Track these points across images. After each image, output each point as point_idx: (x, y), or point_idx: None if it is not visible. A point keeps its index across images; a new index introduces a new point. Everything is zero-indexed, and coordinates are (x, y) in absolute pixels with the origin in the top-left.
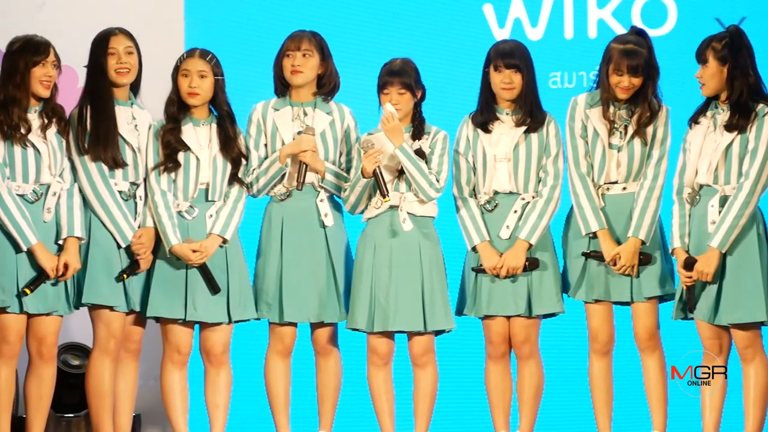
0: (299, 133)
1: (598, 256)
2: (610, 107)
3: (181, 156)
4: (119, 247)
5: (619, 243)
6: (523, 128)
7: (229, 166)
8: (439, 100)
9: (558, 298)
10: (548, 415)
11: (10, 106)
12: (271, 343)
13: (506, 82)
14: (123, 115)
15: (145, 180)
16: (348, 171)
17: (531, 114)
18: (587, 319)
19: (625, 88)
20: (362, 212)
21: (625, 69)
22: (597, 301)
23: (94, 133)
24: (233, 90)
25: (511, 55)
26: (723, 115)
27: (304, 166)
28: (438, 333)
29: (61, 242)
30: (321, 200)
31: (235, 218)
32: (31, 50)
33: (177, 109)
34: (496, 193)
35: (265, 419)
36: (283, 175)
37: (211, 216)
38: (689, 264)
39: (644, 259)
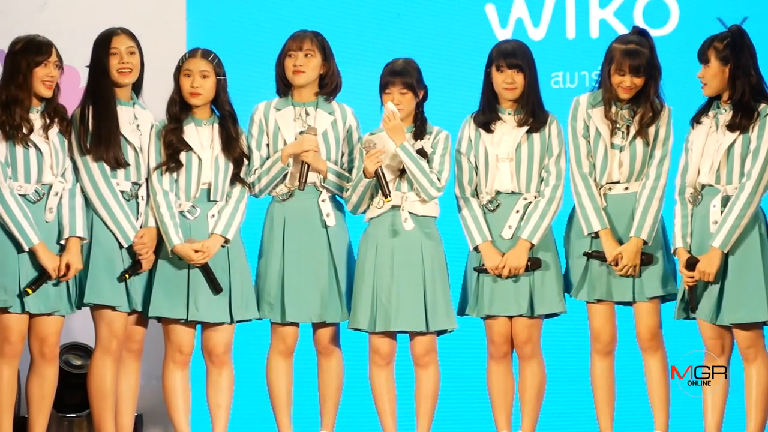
0: (301, 133)
1: (600, 256)
2: (612, 107)
3: (183, 156)
4: (121, 247)
5: (621, 243)
6: (525, 128)
7: (231, 166)
8: (441, 100)
9: (560, 298)
10: (550, 415)
11: (12, 106)
12: (273, 343)
13: (508, 82)
14: (125, 115)
15: (147, 180)
16: (350, 171)
17: (533, 114)
18: (589, 319)
19: (627, 88)
20: (364, 212)
21: (627, 69)
22: (599, 301)
23: (96, 133)
24: (235, 90)
25: (513, 55)
26: (725, 115)
27: (306, 166)
28: (440, 333)
29: (63, 242)
30: (323, 200)
31: (237, 218)
32: (33, 50)
33: (179, 109)
34: (498, 192)
35: (267, 419)
36: (285, 175)
37: (213, 216)
38: (691, 264)
39: (646, 259)
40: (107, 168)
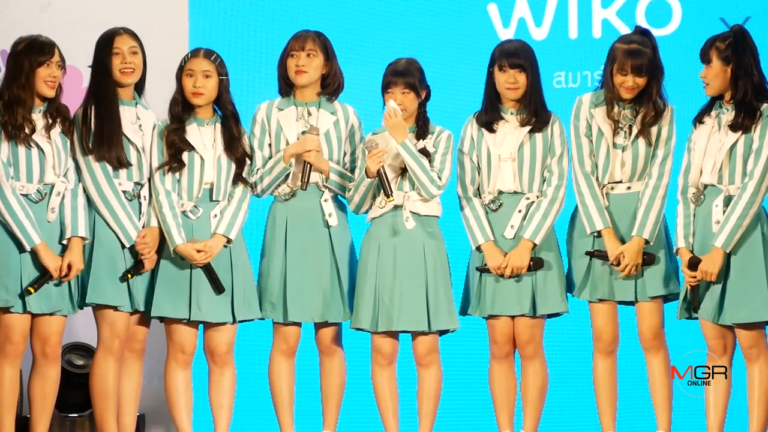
0: (303, 132)
1: (602, 255)
2: (614, 107)
3: (185, 156)
4: (123, 247)
5: (623, 242)
6: (528, 128)
7: (233, 166)
8: (443, 100)
9: (562, 297)
10: (552, 415)
11: (15, 107)
12: (275, 342)
13: (511, 82)
14: (127, 115)
15: (149, 180)
16: (352, 171)
17: (535, 114)
18: (591, 319)
19: (630, 88)
20: (367, 212)
21: (630, 69)
22: (601, 300)
23: (99, 133)
24: (237, 90)
25: (516, 55)
26: (727, 114)
27: (309, 165)
28: (442, 333)
29: (65, 242)
30: (325, 200)
31: (240, 218)
32: (35, 50)
33: (181, 109)
34: (500, 192)
35: (269, 419)
36: (288, 175)
37: (216, 216)
38: (693, 264)
39: (648, 259)
40: (109, 168)
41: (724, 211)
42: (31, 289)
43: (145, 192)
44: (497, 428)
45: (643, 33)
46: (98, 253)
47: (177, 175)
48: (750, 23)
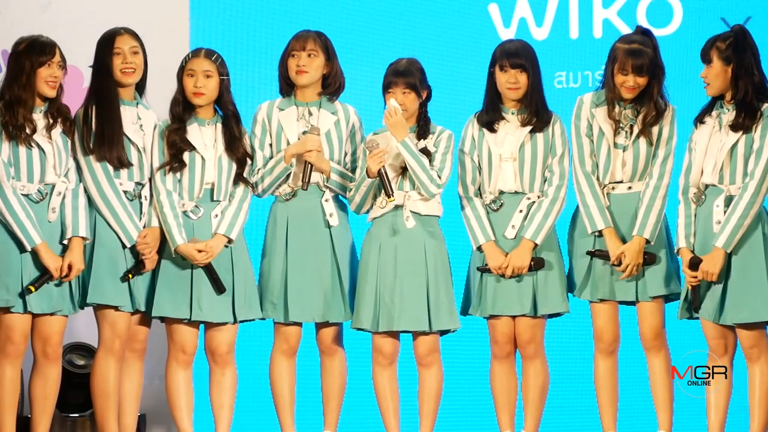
0: (304, 132)
1: (603, 255)
2: (615, 107)
3: (186, 156)
4: (124, 247)
5: (624, 242)
6: (529, 128)
7: (234, 166)
8: (444, 100)
9: (563, 297)
10: (553, 415)
11: (16, 107)
12: (276, 342)
13: (512, 82)
14: (128, 115)
15: (150, 180)
16: (353, 171)
17: (536, 114)
18: (592, 319)
19: (631, 88)
20: (367, 212)
21: (630, 68)
22: (602, 300)
23: (100, 133)
24: (238, 90)
25: (517, 54)
26: (728, 114)
27: (309, 165)
28: (443, 333)
29: (65, 242)
30: (326, 200)
31: (241, 218)
32: (36, 51)
33: (182, 108)
34: (501, 192)
35: (270, 419)
36: (288, 175)
37: (217, 216)
38: (694, 264)
39: (648, 259)
40: (110, 168)
41: (724, 211)
42: (32, 288)
43: (146, 192)
44: (498, 428)
45: (644, 33)
46: (99, 253)
47: (178, 175)
48: (751, 23)
